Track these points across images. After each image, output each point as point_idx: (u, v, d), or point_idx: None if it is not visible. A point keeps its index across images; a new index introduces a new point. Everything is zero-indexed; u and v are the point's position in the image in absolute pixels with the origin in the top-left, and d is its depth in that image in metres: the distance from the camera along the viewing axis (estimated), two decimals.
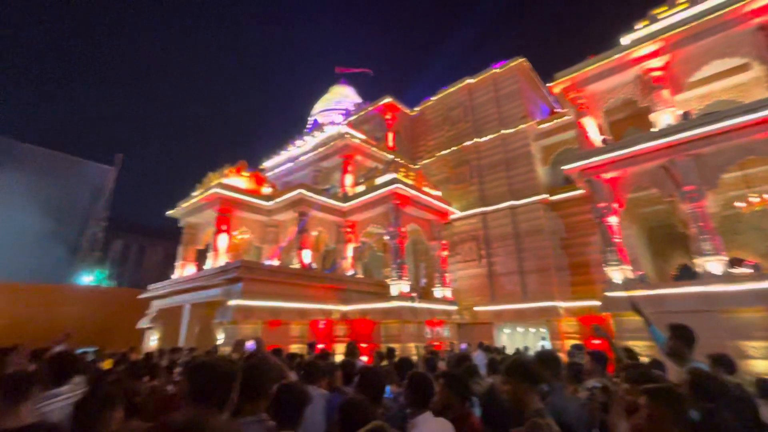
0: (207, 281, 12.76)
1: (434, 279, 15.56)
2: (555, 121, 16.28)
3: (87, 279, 31.38)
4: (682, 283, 9.81)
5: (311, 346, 6.65)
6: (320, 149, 18.55)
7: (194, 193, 15.71)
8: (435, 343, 11.18)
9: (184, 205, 15.85)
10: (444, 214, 16.32)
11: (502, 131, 17.12)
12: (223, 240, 14.16)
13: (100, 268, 33.75)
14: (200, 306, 13.64)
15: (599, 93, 12.74)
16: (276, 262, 14.85)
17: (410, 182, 14.78)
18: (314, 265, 14.45)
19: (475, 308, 15.40)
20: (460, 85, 19.24)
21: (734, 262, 9.64)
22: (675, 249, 16.44)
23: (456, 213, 16.73)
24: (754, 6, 9.90)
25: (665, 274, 16.37)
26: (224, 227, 14.33)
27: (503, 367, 2.53)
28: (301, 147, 20.16)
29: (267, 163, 22.31)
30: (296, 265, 14.01)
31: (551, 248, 14.84)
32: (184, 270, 15.40)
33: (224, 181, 14.65)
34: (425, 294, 15.30)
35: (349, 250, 15.55)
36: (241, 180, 15.37)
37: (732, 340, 8.53)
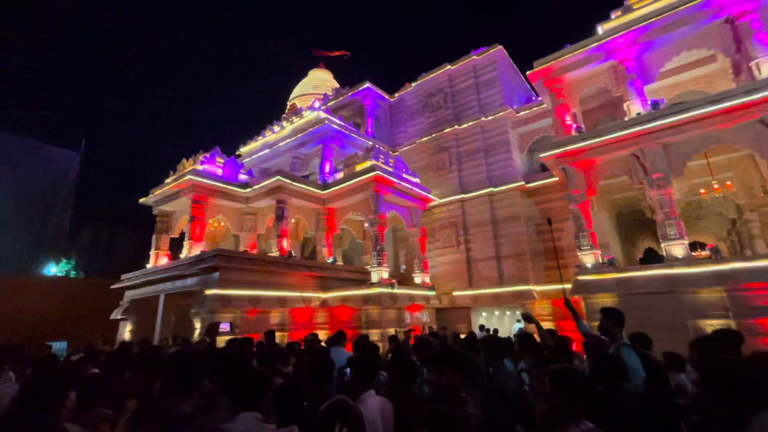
0: (183, 271, 12.46)
1: (414, 265, 15.74)
2: (533, 108, 16.51)
3: (53, 270, 30.06)
4: (648, 267, 10.31)
5: (269, 335, 6.73)
6: (299, 135, 18.20)
7: (167, 180, 15.19)
8: (413, 328, 11.36)
9: (157, 192, 15.30)
10: (424, 200, 16.43)
11: (482, 118, 17.23)
12: (198, 228, 13.81)
13: (67, 259, 32.35)
14: (176, 296, 13.34)
15: (575, 81, 12.97)
16: (254, 251, 14.64)
17: (390, 169, 14.76)
18: (294, 253, 14.33)
19: (454, 293, 15.72)
20: (440, 71, 19.16)
21: (696, 246, 10.17)
22: (642, 233, 17.23)
23: (435, 200, 16.87)
24: (717, 1, 10.23)
25: (633, 258, 17.16)
26: (199, 215, 13.96)
27: (431, 354, 2.58)
28: (279, 133, 19.71)
29: (243, 149, 21.73)
30: (275, 253, 13.85)
31: (527, 234, 15.24)
32: (158, 259, 14.97)
33: (199, 167, 14.21)
34: (405, 280, 15.48)
35: (329, 238, 15.48)
36: (216, 166, 14.94)
37: (692, 318, 9.08)
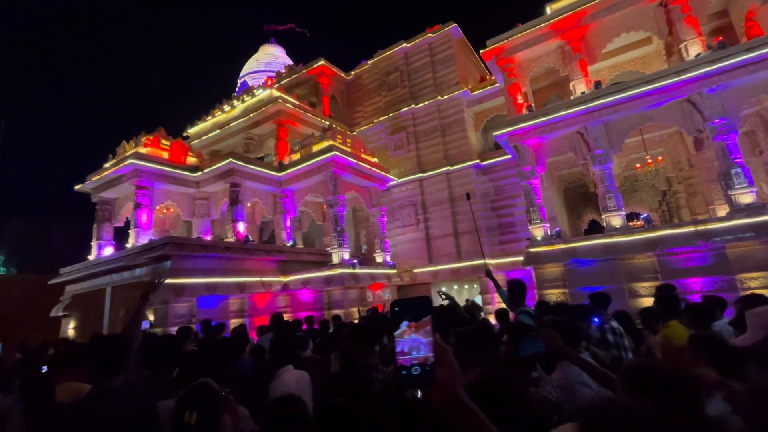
0: (130, 261, 11.74)
1: (375, 245, 15.88)
2: (486, 88, 16.83)
3: None
4: (590, 237, 11.11)
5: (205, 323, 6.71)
6: (251, 115, 17.37)
7: (106, 165, 14.03)
8: (376, 306, 11.58)
9: (95, 178, 14.10)
10: (383, 180, 16.47)
11: (438, 98, 17.34)
12: (144, 216, 12.99)
13: None
14: (124, 288, 12.58)
15: (526, 61, 13.34)
16: (208, 237, 14.06)
17: (348, 150, 14.58)
18: (251, 238, 13.93)
19: (415, 270, 16.12)
20: (396, 48, 18.92)
21: (632, 217, 11.08)
22: (586, 207, 18.48)
23: (394, 180, 16.96)
24: None
25: (579, 230, 18.41)
26: (145, 202, 13.10)
27: (348, 329, 3.11)
28: (230, 112, 18.69)
29: (191, 131, 20.43)
30: (231, 239, 13.39)
31: (482, 210, 15.81)
32: (101, 251, 13.97)
33: (142, 150, 13.23)
34: (366, 260, 15.62)
35: (287, 221, 15.17)
36: (161, 149, 13.98)
37: (628, 282, 10.00)
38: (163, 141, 14.23)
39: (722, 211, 11.21)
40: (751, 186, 9.30)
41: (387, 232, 16.20)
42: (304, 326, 6.15)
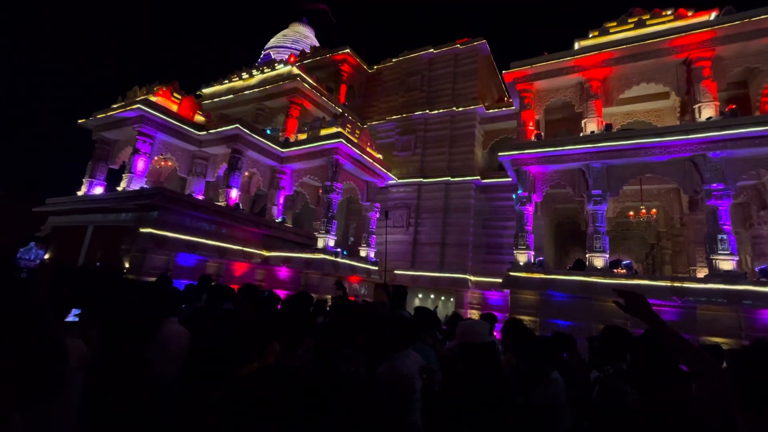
0: (118, 204, 11.71)
1: (362, 239, 15.95)
2: (502, 108, 16.97)
3: None
4: (571, 272, 11.27)
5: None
6: (267, 87, 17.37)
7: (114, 106, 13.96)
8: (350, 298, 11.62)
9: (101, 116, 14.03)
10: (383, 178, 16.53)
11: (453, 108, 17.45)
12: (141, 163, 12.96)
13: None
14: (105, 230, 12.52)
15: (544, 90, 13.49)
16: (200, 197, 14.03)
17: (355, 140, 14.63)
18: (241, 206, 13.93)
19: (396, 271, 16.20)
20: (423, 52, 19.01)
21: (617, 264, 11.24)
22: (575, 245, 18.67)
23: (395, 179, 17.04)
24: (679, 42, 11.05)
25: (563, 265, 18.56)
26: (145, 149, 13.06)
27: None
28: (247, 80, 18.67)
29: (205, 91, 20.35)
30: (222, 203, 13.39)
31: (473, 227, 15.93)
32: (92, 188, 13.90)
33: (152, 98, 13.19)
34: (351, 252, 15.67)
35: (281, 198, 15.19)
36: (172, 101, 13.95)
37: (598, 323, 10.14)
38: (175, 94, 14.20)
39: (702, 273, 11.44)
40: (733, 254, 9.50)
41: (376, 229, 16.28)
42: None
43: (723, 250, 9.50)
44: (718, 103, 10.63)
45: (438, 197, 16.64)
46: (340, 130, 14.00)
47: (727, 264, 9.43)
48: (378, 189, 16.61)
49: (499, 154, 13.08)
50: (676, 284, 9.69)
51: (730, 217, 9.88)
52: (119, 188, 12.81)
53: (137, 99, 13.15)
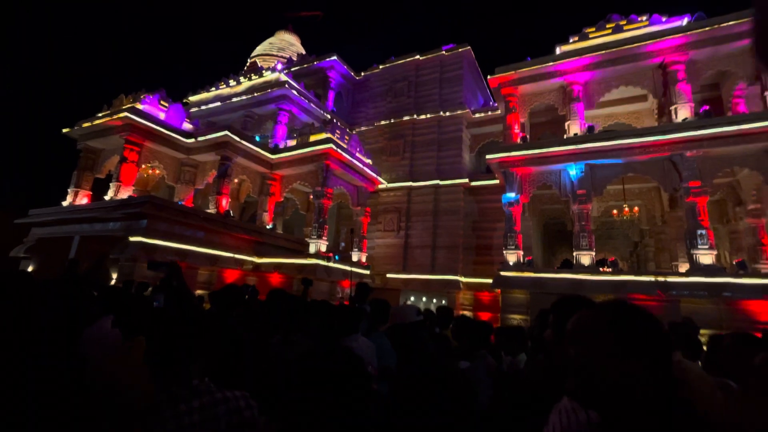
0: (105, 213, 11.55)
1: (353, 243, 16.01)
2: (488, 113, 17.34)
3: None
4: (560, 270, 11.54)
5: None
6: (255, 94, 17.41)
7: (100, 114, 13.81)
8: (345, 302, 11.67)
9: (86, 125, 13.86)
10: (373, 182, 16.67)
11: (440, 113, 17.75)
12: (129, 171, 12.81)
13: None
14: (91, 240, 12.31)
15: (528, 94, 13.87)
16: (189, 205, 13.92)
17: (344, 145, 14.75)
18: (232, 213, 13.87)
19: (388, 275, 16.29)
20: (409, 59, 19.32)
21: (602, 262, 11.54)
22: (562, 245, 19.09)
23: (384, 183, 17.19)
24: (654, 47, 11.55)
25: (551, 265, 18.93)
26: (133, 158, 12.94)
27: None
28: (235, 88, 18.67)
29: (192, 98, 20.27)
30: (212, 211, 13.32)
31: (463, 229, 16.16)
32: (77, 198, 13.67)
33: (139, 106, 13.10)
34: (342, 257, 15.69)
35: (271, 204, 15.17)
36: (159, 109, 13.86)
37: None
38: (162, 102, 14.13)
39: (684, 268, 11.84)
40: (712, 249, 9.90)
41: (367, 234, 16.36)
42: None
43: (702, 245, 9.89)
44: (693, 105, 11.11)
45: (428, 200, 16.84)
46: (329, 135, 14.11)
47: (706, 258, 9.82)
48: (368, 193, 16.73)
49: (487, 156, 13.36)
50: (660, 279, 10.03)
51: (708, 213, 10.31)
52: (106, 197, 12.63)
53: (124, 107, 13.04)
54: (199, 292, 11.20)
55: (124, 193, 12.44)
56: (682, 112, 11.04)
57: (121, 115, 12.60)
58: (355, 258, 15.49)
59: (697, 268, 9.81)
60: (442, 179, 16.84)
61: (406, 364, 1.98)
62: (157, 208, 10.97)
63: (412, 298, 16.26)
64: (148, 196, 11.77)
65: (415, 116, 18.18)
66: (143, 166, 13.93)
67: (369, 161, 16.38)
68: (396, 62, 19.71)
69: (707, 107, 11.02)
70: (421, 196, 17.03)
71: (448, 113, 17.68)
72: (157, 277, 9.88)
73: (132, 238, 10.51)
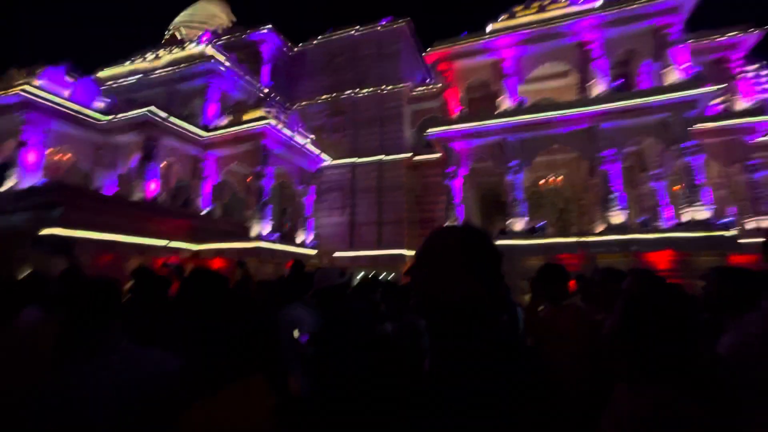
0: (8, 204, 10.12)
1: (297, 224, 15.73)
2: (429, 88, 17.60)
3: None
4: (497, 237, 12.35)
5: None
6: (179, 67, 15.94)
7: None
8: None
9: None
10: (315, 160, 16.33)
11: (381, 89, 17.67)
12: (32, 156, 11.28)
13: None
14: None
15: (464, 70, 14.28)
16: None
17: (283, 123, 14.19)
18: (162, 198, 12.88)
19: (334, 254, 16.32)
20: (348, 32, 18.83)
21: (533, 230, 12.51)
22: (499, 215, 20.29)
23: (328, 160, 16.93)
24: (573, 26, 12.45)
25: (490, 234, 20.14)
26: (34, 140, 11.36)
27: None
28: (154, 62, 16.92)
29: (103, 74, 18.06)
30: (139, 197, 12.25)
31: (407, 203, 16.57)
32: None
33: (36, 82, 11.41)
34: (288, 238, 15.39)
35: (207, 187, 14.30)
36: (63, 86, 12.20)
37: (521, 280, 11.35)
38: (69, 76, 12.44)
39: (601, 229, 13.28)
40: (624, 209, 11.20)
41: (313, 213, 16.14)
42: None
43: (614, 206, 11.15)
44: (609, 79, 12.20)
45: (372, 177, 16.93)
46: (265, 112, 13.47)
47: (618, 218, 11.10)
48: (312, 173, 16.39)
49: (427, 131, 13.67)
50: (582, 239, 11.20)
51: (620, 178, 11.58)
52: (4, 187, 11.04)
53: (18, 82, 11.29)
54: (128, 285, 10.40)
55: (30, 181, 10.96)
56: (598, 87, 12.10)
57: (16, 90, 10.92)
58: (300, 239, 15.27)
59: (610, 228, 11.08)
60: (386, 154, 16.97)
61: (329, 328, 2.10)
62: (71, 195, 9.86)
63: (361, 275, 16.51)
64: (57, 182, 10.51)
65: (357, 92, 17.93)
66: (50, 149, 12.31)
67: (311, 137, 15.96)
68: (333, 36, 19.12)
69: (622, 80, 12.18)
70: (366, 172, 17.07)
71: (388, 89, 17.66)
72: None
73: (44, 231, 9.36)
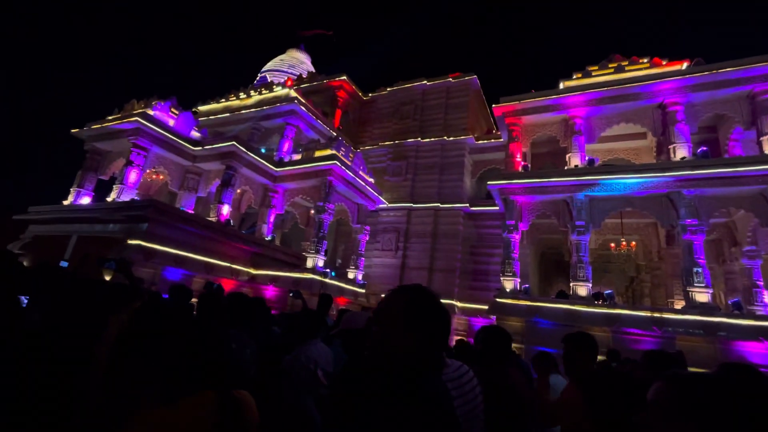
0: (107, 214, 11.57)
1: (350, 261, 15.98)
2: (491, 140, 17.69)
3: None
4: (556, 300, 11.51)
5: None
6: (264, 108, 17.74)
7: (110, 117, 14.03)
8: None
9: (95, 126, 14.06)
10: (374, 201, 16.80)
11: (444, 138, 18.10)
12: (134, 175, 12.93)
13: None
14: (88, 241, 12.27)
15: (531, 125, 14.21)
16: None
17: (349, 163, 14.95)
18: (232, 222, 13.91)
19: (383, 295, 16.12)
20: (416, 83, 19.85)
21: (598, 296, 11.53)
22: (558, 276, 19.04)
23: (385, 203, 17.32)
24: (655, 87, 11.95)
25: (547, 294, 18.85)
26: (139, 162, 13.07)
27: None
28: (244, 100, 19.05)
29: (201, 108, 20.63)
30: (213, 219, 13.35)
31: (461, 253, 16.20)
32: (79, 197, 13.71)
33: (150, 112, 13.33)
34: (339, 274, 15.65)
35: (272, 216, 15.23)
36: (169, 116, 14.11)
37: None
38: (173, 109, 14.40)
39: (680, 305, 11.84)
40: (708, 287, 9.94)
41: (365, 252, 16.36)
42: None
43: (698, 282, 9.94)
44: (691, 145, 11.39)
45: (427, 222, 16.94)
46: (334, 152, 14.33)
47: (702, 296, 9.85)
48: (368, 212, 16.83)
49: (488, 182, 13.54)
50: (656, 315, 10.02)
51: (704, 251, 10.41)
52: (108, 199, 12.68)
53: (135, 112, 13.27)
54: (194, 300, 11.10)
55: (127, 196, 12.50)
56: (680, 151, 11.31)
57: (133, 119, 12.81)
58: (351, 276, 15.44)
59: (692, 306, 9.83)
60: (442, 202, 17.00)
61: (348, 367, 2.13)
62: (159, 212, 11.01)
63: None
64: (151, 199, 11.83)
65: (419, 139, 18.52)
66: (148, 170, 14.05)
67: (371, 180, 16.56)
68: (404, 85, 20.23)
69: (705, 148, 11.30)
70: (421, 217, 17.14)
71: (451, 138, 18.03)
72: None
73: (131, 241, 10.50)
